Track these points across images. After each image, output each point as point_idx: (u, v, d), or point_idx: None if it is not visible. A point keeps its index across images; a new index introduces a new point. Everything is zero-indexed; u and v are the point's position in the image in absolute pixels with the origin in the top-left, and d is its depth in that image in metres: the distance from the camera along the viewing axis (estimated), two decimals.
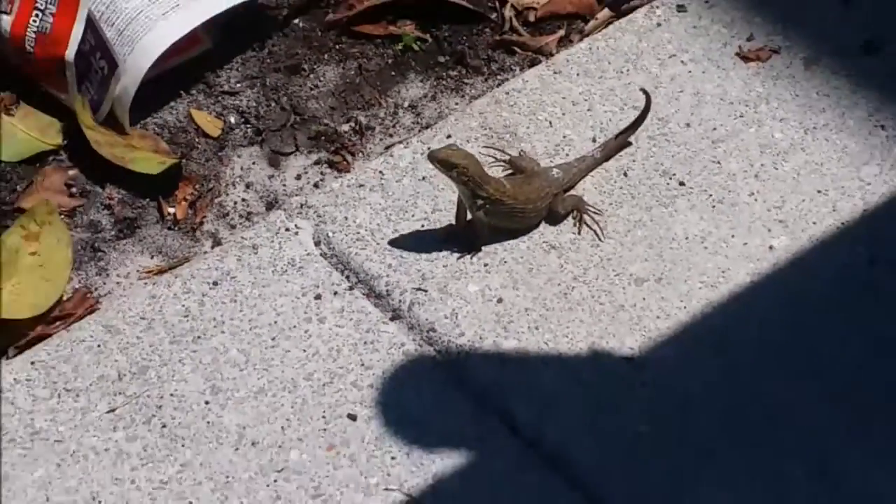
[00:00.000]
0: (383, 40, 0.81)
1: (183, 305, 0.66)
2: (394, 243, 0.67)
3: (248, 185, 0.76)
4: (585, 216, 0.65)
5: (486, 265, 0.65)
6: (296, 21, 0.82)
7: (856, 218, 0.68)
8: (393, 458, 0.58)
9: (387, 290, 0.64)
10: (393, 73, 0.79)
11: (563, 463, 0.58)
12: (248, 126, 0.77)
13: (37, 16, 0.76)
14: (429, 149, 0.69)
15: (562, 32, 0.82)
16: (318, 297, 0.64)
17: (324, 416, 0.59)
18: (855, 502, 0.58)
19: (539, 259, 0.64)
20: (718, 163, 0.68)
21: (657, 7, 0.82)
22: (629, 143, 0.71)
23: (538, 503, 0.57)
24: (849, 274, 0.64)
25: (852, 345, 0.61)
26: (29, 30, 0.77)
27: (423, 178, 0.70)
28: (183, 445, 0.58)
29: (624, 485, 0.57)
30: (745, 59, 0.75)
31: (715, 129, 0.70)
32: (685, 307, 0.62)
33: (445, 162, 0.64)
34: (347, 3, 0.80)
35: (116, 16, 0.76)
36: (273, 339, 0.62)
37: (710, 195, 0.66)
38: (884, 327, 0.62)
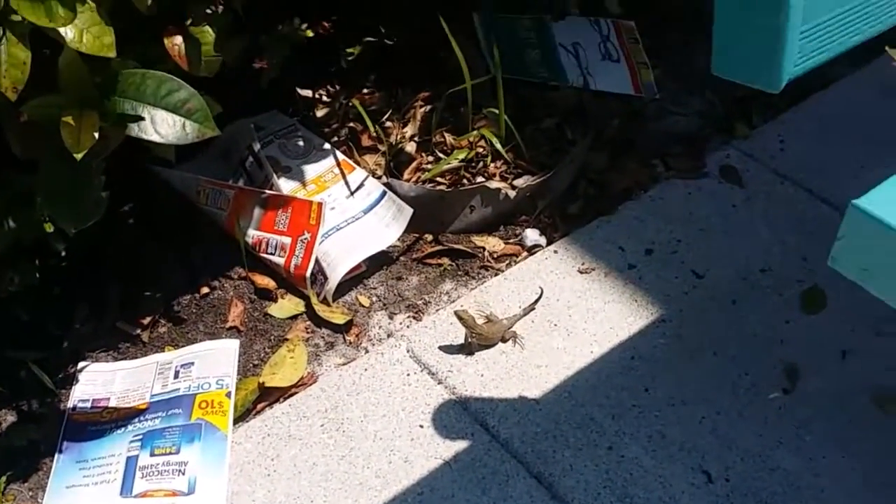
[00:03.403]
0: (434, 265, 1.40)
1: (351, 379, 1.23)
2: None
3: (377, 328, 1.32)
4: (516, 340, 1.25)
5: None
6: (402, 257, 1.41)
7: None
8: None
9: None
10: (438, 278, 1.38)
11: None
12: (380, 304, 1.33)
13: (296, 257, 1.33)
14: (455, 311, 1.24)
15: (507, 260, 1.39)
16: None
17: None
18: None
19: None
20: None
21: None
22: (532, 310, 1.28)
23: None
24: None
25: None
26: (292, 263, 1.33)
27: (452, 323, 1.26)
28: None
29: None
30: None
31: None
32: None
33: (458, 315, 1.23)
34: (417, 248, 1.42)
35: (326, 258, 1.33)
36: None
37: None
38: None
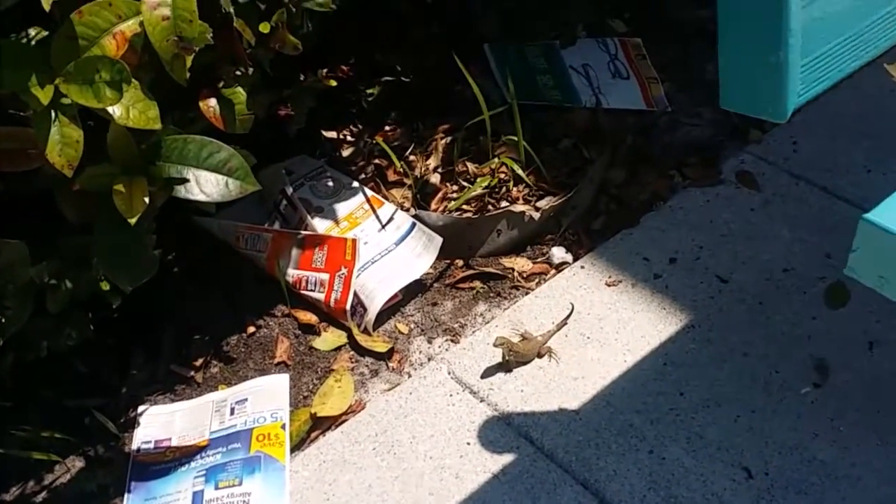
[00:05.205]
0: (467, 289, 1.44)
1: (398, 403, 1.24)
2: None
3: (418, 353, 1.36)
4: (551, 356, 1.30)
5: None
6: (435, 284, 1.45)
7: None
8: None
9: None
10: (472, 301, 1.43)
11: None
12: (419, 330, 1.39)
13: (335, 292, 1.36)
14: (493, 344, 1.27)
15: (536, 279, 1.43)
16: None
17: None
18: None
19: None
20: None
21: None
22: (564, 325, 1.33)
23: None
24: None
25: None
26: (332, 298, 1.37)
27: (489, 343, 1.30)
28: None
29: None
30: None
31: None
32: None
33: (496, 345, 1.26)
34: (449, 274, 1.46)
35: (363, 290, 1.38)
36: None
37: None
38: None
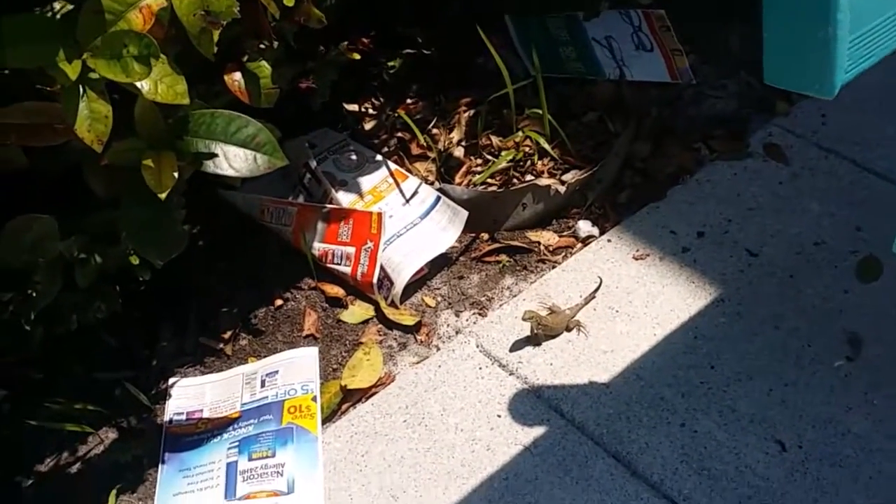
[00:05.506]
0: (493, 262, 1.43)
1: (427, 376, 1.25)
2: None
3: (445, 326, 1.34)
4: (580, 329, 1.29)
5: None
6: (461, 258, 1.44)
7: None
8: None
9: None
10: (498, 275, 1.41)
11: None
12: (446, 303, 1.37)
13: (361, 266, 1.35)
14: (522, 318, 1.25)
15: (563, 253, 1.41)
16: None
17: None
18: None
19: None
20: None
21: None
22: (592, 298, 1.31)
23: None
24: None
25: None
26: (358, 272, 1.35)
27: (517, 317, 1.29)
28: None
29: None
30: None
31: None
32: None
33: (525, 319, 1.25)
34: (475, 248, 1.45)
35: (390, 264, 1.37)
36: None
37: None
38: None
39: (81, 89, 0.91)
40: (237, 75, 1.19)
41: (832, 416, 1.16)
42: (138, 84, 0.94)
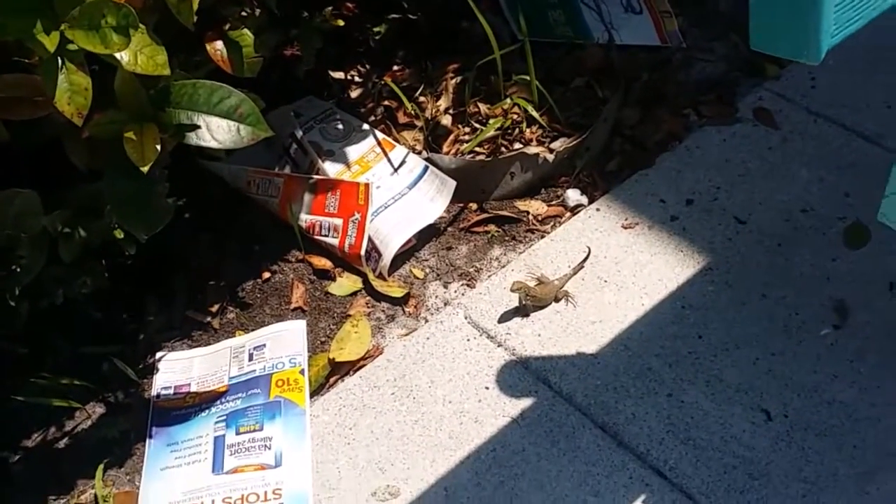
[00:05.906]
0: (482, 233, 1.41)
1: (415, 349, 1.23)
2: None
3: (433, 297, 1.32)
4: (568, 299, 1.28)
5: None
6: (450, 228, 1.42)
7: None
8: None
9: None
10: (487, 245, 1.40)
11: None
12: (434, 274, 1.35)
13: (349, 237, 1.34)
14: (510, 289, 1.24)
15: (551, 222, 1.40)
16: None
17: None
18: None
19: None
20: None
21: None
22: (581, 269, 1.31)
23: None
24: None
25: None
26: (346, 244, 1.34)
27: (505, 287, 1.28)
28: None
29: None
30: None
31: None
32: None
33: (513, 290, 1.24)
34: (463, 218, 1.43)
35: (378, 235, 1.35)
36: None
37: None
38: None
39: (60, 61, 0.89)
40: (219, 44, 1.16)
41: (818, 385, 1.17)
42: (118, 55, 0.92)
